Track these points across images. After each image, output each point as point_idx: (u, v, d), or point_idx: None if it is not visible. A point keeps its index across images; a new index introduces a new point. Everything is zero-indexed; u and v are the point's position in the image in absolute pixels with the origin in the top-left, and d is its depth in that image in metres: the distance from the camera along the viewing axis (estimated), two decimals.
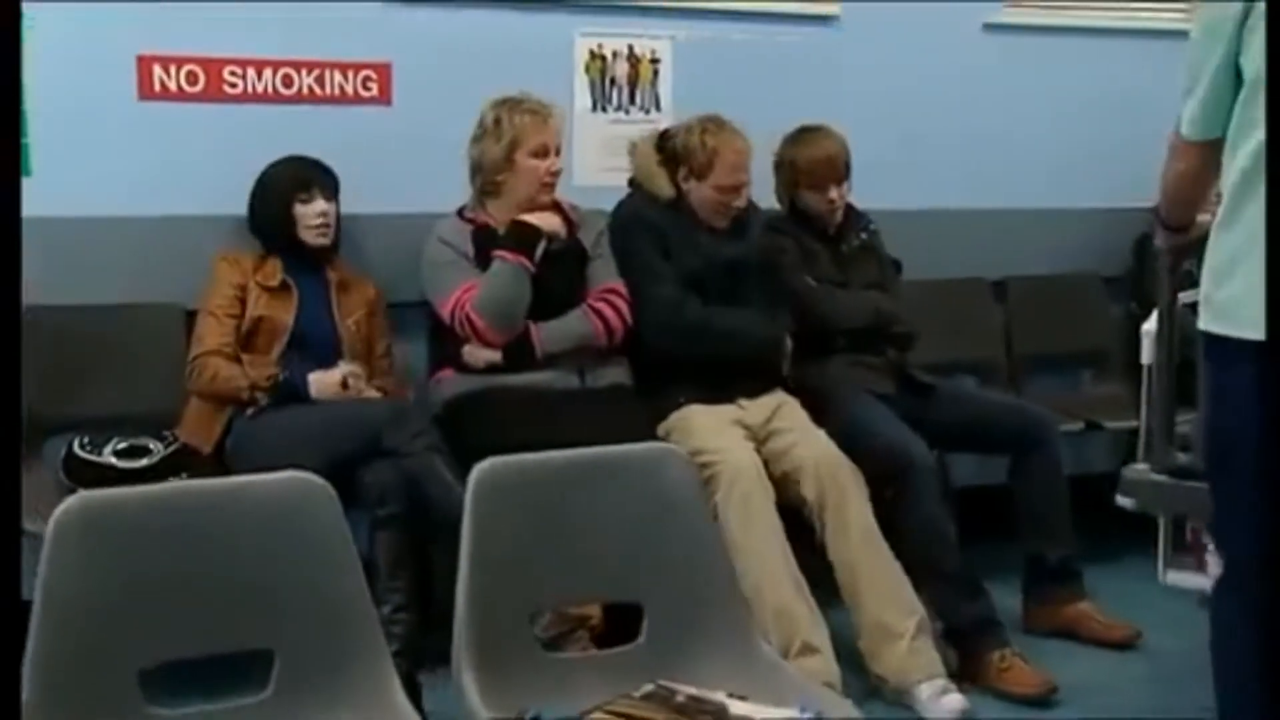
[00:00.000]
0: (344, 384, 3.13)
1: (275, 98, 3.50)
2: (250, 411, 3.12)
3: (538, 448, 2.96)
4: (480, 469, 2.07)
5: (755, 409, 3.42)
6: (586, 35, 3.80)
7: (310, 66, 3.52)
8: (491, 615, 1.99)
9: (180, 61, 3.40)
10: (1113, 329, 4.37)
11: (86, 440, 3.12)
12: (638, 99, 3.87)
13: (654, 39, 3.87)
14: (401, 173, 3.57)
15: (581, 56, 3.80)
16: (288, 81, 3.50)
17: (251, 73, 3.46)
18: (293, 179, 3.31)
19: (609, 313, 3.35)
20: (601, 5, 3.82)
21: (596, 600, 2.79)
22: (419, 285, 3.51)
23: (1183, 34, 2.35)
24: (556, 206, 3.42)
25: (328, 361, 3.27)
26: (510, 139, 3.33)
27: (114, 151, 3.35)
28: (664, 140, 3.56)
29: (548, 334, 3.29)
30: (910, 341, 3.74)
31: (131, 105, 3.37)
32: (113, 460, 3.12)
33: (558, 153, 3.37)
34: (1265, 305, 2.04)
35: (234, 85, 3.45)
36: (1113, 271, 4.43)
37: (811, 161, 3.63)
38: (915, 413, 3.49)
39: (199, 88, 3.42)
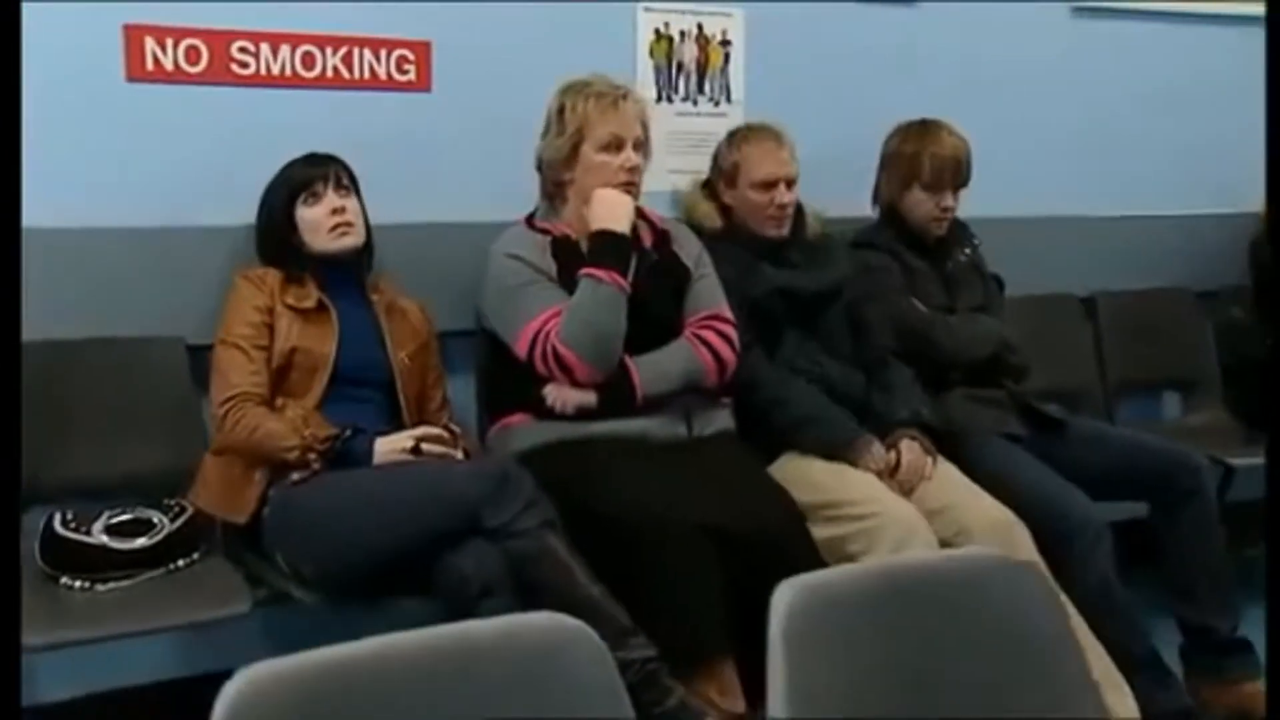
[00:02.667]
0: (416, 450, 2.50)
1: (293, 81, 2.84)
2: (296, 477, 2.45)
3: (644, 514, 2.44)
4: (787, 590, 1.47)
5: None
6: (651, 10, 3.21)
7: (336, 44, 2.87)
8: None
9: (178, 34, 2.71)
10: (1208, 350, 3.93)
11: (70, 515, 2.47)
12: (707, 88, 3.29)
13: (725, 16, 3.29)
14: (441, 173, 2.95)
15: (646, 36, 3.21)
16: (309, 62, 2.85)
17: (266, 50, 2.80)
18: (286, 184, 2.68)
19: (719, 344, 2.77)
20: None
21: None
22: (464, 310, 2.91)
23: None
24: (639, 214, 2.83)
25: (379, 407, 2.65)
26: (575, 129, 2.75)
27: (95, 146, 2.67)
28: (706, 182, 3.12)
29: (649, 371, 2.70)
30: (1026, 373, 3.25)
31: (117, 88, 2.69)
32: (104, 540, 2.47)
33: (637, 147, 2.78)
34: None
35: (244, 65, 2.79)
36: (1204, 285, 3.99)
37: (938, 159, 3.12)
38: (1046, 455, 3.00)
39: (201, 67, 2.74)
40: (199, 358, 2.69)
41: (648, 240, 2.85)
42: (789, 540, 2.54)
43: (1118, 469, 3.07)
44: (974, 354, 3.12)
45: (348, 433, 2.48)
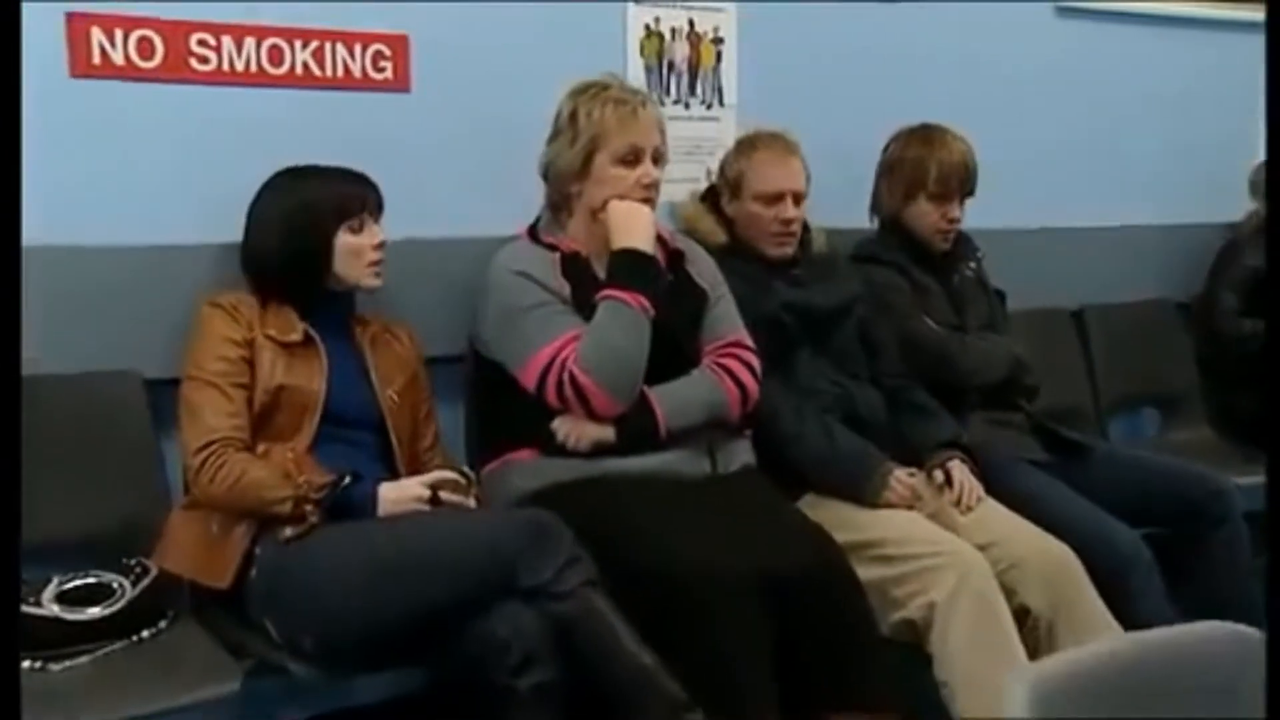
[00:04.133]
0: (435, 500, 2.19)
1: (259, 78, 2.51)
2: (289, 533, 2.12)
3: (684, 564, 2.17)
4: (1025, 682, 1.22)
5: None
6: (642, 4, 2.94)
7: (306, 37, 2.54)
8: None
9: (129, 24, 2.38)
10: (1188, 364, 3.81)
11: None
12: (698, 89, 3.04)
13: (716, 11, 3.04)
14: (423, 183, 2.65)
15: (636, 32, 2.94)
16: (276, 57, 2.52)
17: (228, 43, 2.47)
18: (334, 204, 2.34)
19: (743, 374, 2.52)
20: None
21: None
22: (450, 333, 2.62)
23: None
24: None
25: (371, 449, 2.34)
26: (589, 138, 2.47)
27: (32, 151, 2.25)
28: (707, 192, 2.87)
29: (672, 402, 2.44)
30: (1037, 394, 3.07)
31: (60, 85, 2.34)
32: (56, 610, 2.14)
33: (656, 159, 2.51)
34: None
35: (204, 60, 2.45)
36: (1184, 297, 3.87)
37: (945, 166, 2.91)
38: (1067, 482, 2.82)
39: (155, 62, 2.40)
40: (160, 394, 2.36)
41: (662, 259, 2.58)
42: (838, 587, 2.30)
43: (1142, 496, 2.89)
44: (992, 374, 2.93)
45: (346, 479, 2.16)
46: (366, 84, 2.61)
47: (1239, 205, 3.88)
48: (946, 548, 2.43)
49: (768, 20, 3.09)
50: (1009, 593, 2.42)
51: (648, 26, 2.94)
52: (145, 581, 2.21)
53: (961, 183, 2.93)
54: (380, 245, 2.37)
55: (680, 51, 2.99)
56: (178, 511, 2.27)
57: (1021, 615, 2.42)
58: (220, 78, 2.46)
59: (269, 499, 2.13)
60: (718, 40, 3.04)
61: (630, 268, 2.42)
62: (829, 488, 2.59)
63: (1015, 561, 2.46)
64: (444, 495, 2.20)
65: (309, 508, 2.12)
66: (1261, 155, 3.86)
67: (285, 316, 2.31)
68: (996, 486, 2.71)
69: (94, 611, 2.14)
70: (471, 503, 2.27)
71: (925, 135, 2.98)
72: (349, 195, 2.34)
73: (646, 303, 2.40)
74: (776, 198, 2.75)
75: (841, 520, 2.48)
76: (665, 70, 2.97)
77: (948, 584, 2.35)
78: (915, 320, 2.91)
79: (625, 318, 2.38)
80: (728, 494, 2.42)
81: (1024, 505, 2.66)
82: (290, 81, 2.53)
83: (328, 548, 2.09)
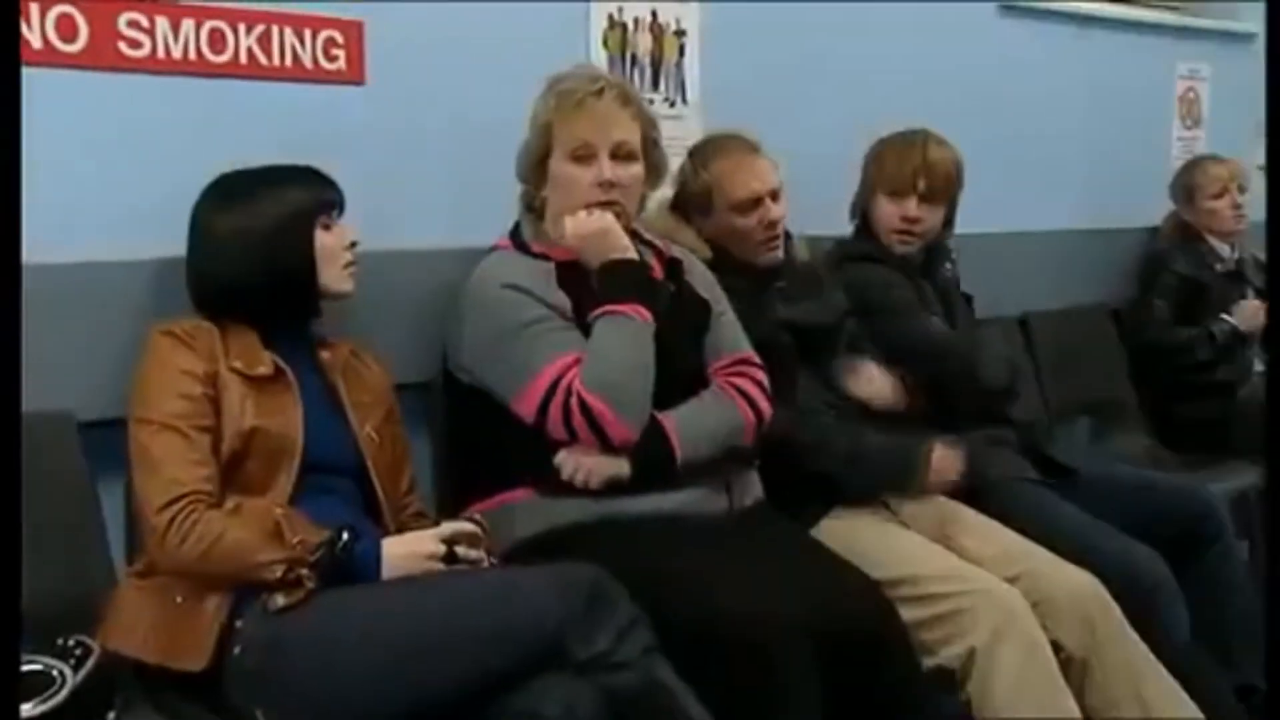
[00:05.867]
0: (450, 558, 1.88)
1: (198, 67, 2.16)
2: (282, 602, 1.78)
3: (729, 618, 1.91)
4: None
5: (913, 513, 2.47)
6: None
7: (251, 20, 2.20)
8: None
9: (47, 0, 2.00)
10: (1123, 371, 3.74)
11: None
12: (661, 84, 2.79)
13: (679, 2, 2.80)
14: (382, 188, 2.33)
15: (600, 22, 2.68)
16: (218, 43, 2.17)
17: (163, 25, 2.11)
18: (310, 201, 2.04)
19: (757, 395, 2.28)
20: None
21: None
22: (415, 359, 2.32)
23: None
24: (635, 236, 2.31)
25: (353, 497, 2.02)
26: (541, 134, 2.24)
27: None
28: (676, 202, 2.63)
29: (688, 429, 2.18)
30: (1018, 400, 2.92)
31: None
32: None
33: (622, 156, 2.24)
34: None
35: (136, 45, 2.09)
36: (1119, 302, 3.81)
37: (904, 163, 2.76)
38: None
39: (79, 46, 2.04)
40: (97, 440, 1.99)
41: (659, 269, 2.33)
42: (886, 635, 2.09)
43: (1138, 514, 2.73)
44: (1001, 381, 2.76)
45: (344, 536, 1.83)
46: (318, 75, 2.29)
47: (1159, 208, 3.85)
48: (979, 585, 2.23)
49: (729, 12, 2.86)
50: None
51: (611, 17, 2.68)
52: (89, 665, 1.84)
53: (922, 183, 2.75)
54: (353, 245, 2.07)
55: (643, 44, 2.74)
56: (128, 580, 1.91)
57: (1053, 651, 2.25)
58: (154, 65, 2.11)
59: (255, 563, 1.79)
60: (680, 33, 2.80)
61: (619, 278, 2.17)
62: (864, 487, 2.41)
63: (1045, 597, 2.27)
64: (461, 552, 1.89)
65: (304, 572, 1.78)
66: (1176, 159, 3.86)
67: (249, 345, 1.97)
68: (1005, 509, 2.54)
69: (32, 709, 1.77)
70: (484, 556, 1.96)
71: (901, 135, 2.81)
72: (318, 191, 2.04)
73: (645, 312, 2.15)
74: (754, 202, 2.53)
75: (863, 557, 2.25)
76: (629, 64, 2.71)
77: (986, 628, 2.15)
78: (924, 320, 2.72)
79: (627, 331, 2.13)
80: (754, 534, 2.18)
81: (1037, 529, 2.48)
82: (233, 71, 2.19)
83: (332, 619, 1.76)
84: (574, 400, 2.07)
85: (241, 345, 1.96)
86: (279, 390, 1.96)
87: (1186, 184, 3.77)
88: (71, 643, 1.86)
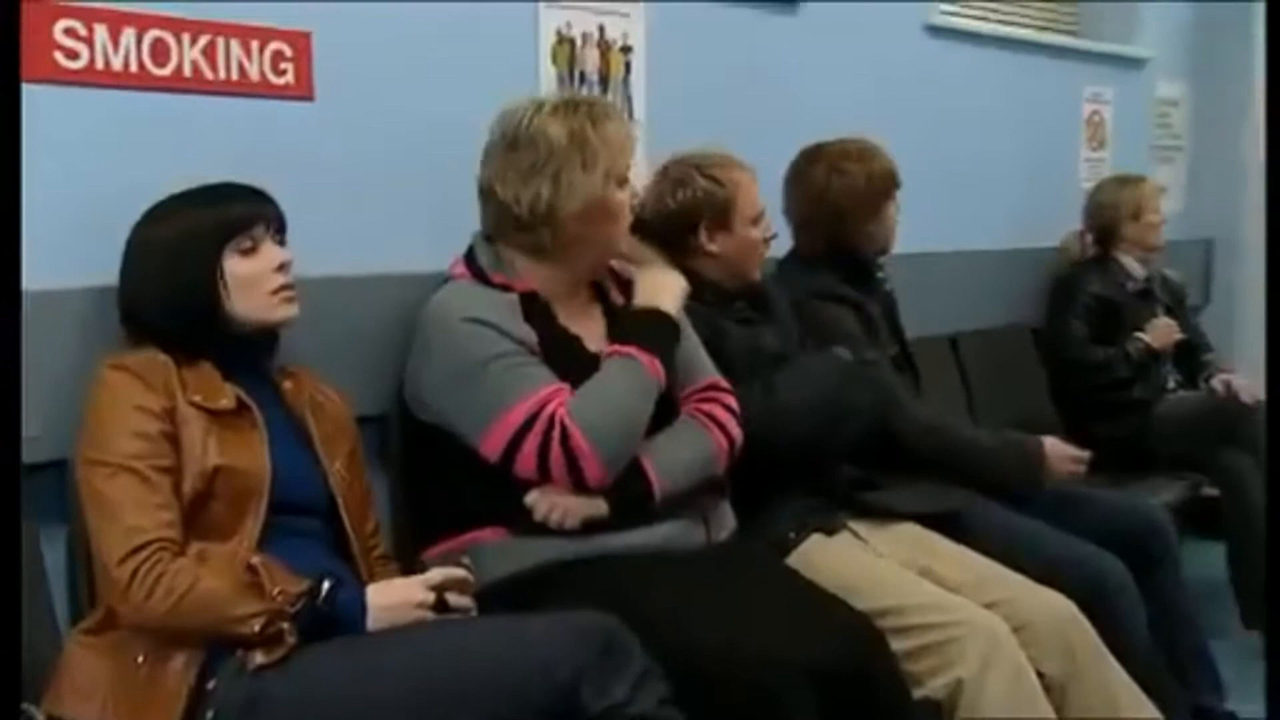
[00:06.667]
0: (441, 605, 1.76)
1: (138, 80, 2.00)
2: (262, 659, 1.64)
3: (726, 660, 1.84)
4: None
5: (886, 541, 2.42)
6: (551, 7, 2.58)
7: (195, 31, 2.05)
8: None
9: None
10: (1044, 390, 3.76)
11: None
12: (611, 101, 2.71)
13: (623, 17, 2.72)
14: (325, 210, 2.19)
15: (548, 37, 2.58)
16: (160, 54, 2.02)
17: (102, 34, 1.95)
18: (218, 224, 1.86)
19: (729, 422, 2.19)
20: None
21: None
22: (370, 391, 2.19)
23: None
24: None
25: (323, 540, 1.89)
26: (605, 164, 2.10)
27: None
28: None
29: (665, 463, 2.09)
30: None
31: None
32: None
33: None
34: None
35: (72, 55, 1.92)
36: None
37: (879, 178, 2.74)
38: None
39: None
40: (40, 484, 1.82)
41: (616, 293, 2.25)
42: (877, 667, 2.02)
43: (1083, 532, 2.73)
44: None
45: (326, 585, 1.70)
46: (265, 89, 2.14)
47: (1063, 228, 3.90)
48: (963, 615, 2.19)
49: (673, 29, 2.79)
50: None
51: (559, 32, 2.58)
52: None
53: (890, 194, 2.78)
54: (283, 267, 1.90)
55: (591, 60, 2.65)
56: (76, 638, 1.74)
57: None
58: (92, 77, 1.94)
59: (232, 616, 1.64)
60: (626, 49, 2.71)
61: (653, 329, 2.10)
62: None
63: (1024, 623, 2.23)
64: (452, 600, 1.77)
65: (285, 625, 1.65)
66: (1084, 180, 3.91)
67: (206, 376, 1.82)
68: (974, 531, 2.51)
69: None
70: (471, 602, 1.84)
71: (851, 151, 2.78)
72: (234, 212, 1.87)
73: (662, 372, 2.07)
74: (760, 216, 2.52)
75: (842, 588, 2.18)
76: (577, 80, 2.62)
77: (974, 658, 2.11)
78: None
79: (639, 380, 2.04)
80: (736, 569, 2.09)
81: (1003, 543, 2.46)
82: (177, 84, 2.04)
83: (318, 676, 1.63)
84: (555, 432, 1.96)
85: (199, 377, 1.81)
86: (243, 425, 1.81)
87: (1105, 203, 3.80)
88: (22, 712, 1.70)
